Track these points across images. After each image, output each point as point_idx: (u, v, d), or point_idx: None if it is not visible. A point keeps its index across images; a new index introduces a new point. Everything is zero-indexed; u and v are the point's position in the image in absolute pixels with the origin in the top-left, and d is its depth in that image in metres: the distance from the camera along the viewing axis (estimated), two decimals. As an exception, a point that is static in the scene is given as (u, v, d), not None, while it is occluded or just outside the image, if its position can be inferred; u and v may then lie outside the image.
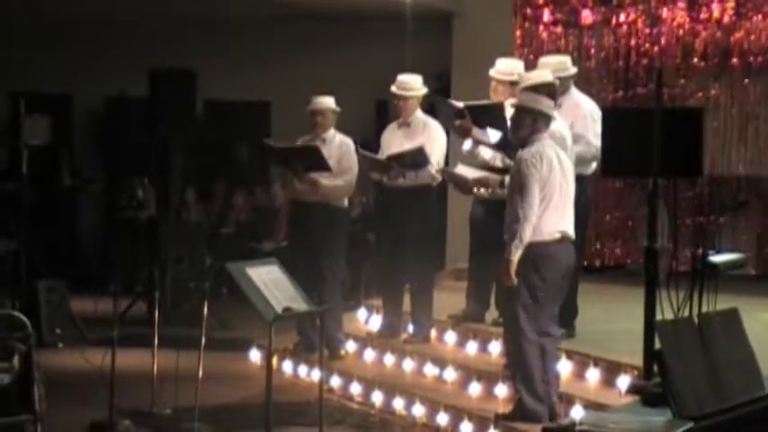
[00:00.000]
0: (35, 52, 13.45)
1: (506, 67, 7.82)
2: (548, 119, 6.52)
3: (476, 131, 7.63)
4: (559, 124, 6.93)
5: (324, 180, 8.37)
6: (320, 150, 8.29)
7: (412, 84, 8.32)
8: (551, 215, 6.39)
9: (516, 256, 6.34)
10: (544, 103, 6.55)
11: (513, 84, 7.61)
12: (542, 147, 6.43)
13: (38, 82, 12.90)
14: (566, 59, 7.88)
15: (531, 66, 7.99)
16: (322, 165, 8.29)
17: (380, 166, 8.27)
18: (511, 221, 6.40)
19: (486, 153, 7.60)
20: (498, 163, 7.47)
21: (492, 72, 7.81)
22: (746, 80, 10.83)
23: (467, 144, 7.83)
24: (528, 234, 6.32)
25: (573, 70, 7.73)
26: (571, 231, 6.51)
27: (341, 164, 8.44)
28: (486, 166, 7.59)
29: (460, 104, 7.79)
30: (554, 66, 7.52)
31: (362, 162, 8.40)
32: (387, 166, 8.20)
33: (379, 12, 11.37)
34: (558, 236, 6.42)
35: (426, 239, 8.33)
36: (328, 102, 8.56)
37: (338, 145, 8.50)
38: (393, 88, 8.34)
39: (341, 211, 8.57)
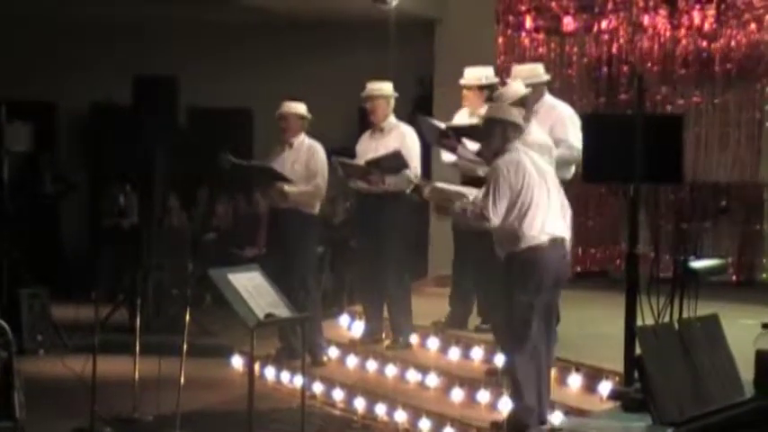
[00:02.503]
0: (19, 58, 13.41)
1: (473, 74, 7.90)
2: (517, 128, 6.48)
3: (461, 149, 7.67)
4: (539, 133, 6.95)
5: (293, 188, 8.38)
6: (274, 170, 8.32)
7: (380, 85, 8.35)
8: (534, 220, 6.31)
9: (459, 206, 6.49)
10: (513, 113, 6.52)
11: (482, 88, 7.68)
12: (517, 155, 6.38)
13: (21, 89, 12.85)
14: (538, 67, 7.91)
15: (509, 73, 8.03)
16: (280, 177, 8.32)
17: (360, 172, 8.26)
18: (470, 213, 6.44)
19: (471, 164, 7.62)
20: (481, 173, 7.48)
21: (461, 81, 7.90)
22: (727, 87, 10.88)
23: (448, 156, 7.86)
24: (482, 216, 6.32)
25: (546, 77, 7.76)
26: (560, 232, 6.41)
27: (308, 168, 8.45)
28: (470, 176, 7.63)
29: (443, 125, 7.84)
30: (526, 73, 7.56)
31: (342, 169, 8.39)
32: (366, 171, 8.20)
33: (363, 19, 11.37)
34: (545, 238, 6.33)
35: (403, 245, 8.34)
36: (292, 107, 8.56)
37: (306, 150, 8.52)
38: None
39: (310, 217, 8.57)
